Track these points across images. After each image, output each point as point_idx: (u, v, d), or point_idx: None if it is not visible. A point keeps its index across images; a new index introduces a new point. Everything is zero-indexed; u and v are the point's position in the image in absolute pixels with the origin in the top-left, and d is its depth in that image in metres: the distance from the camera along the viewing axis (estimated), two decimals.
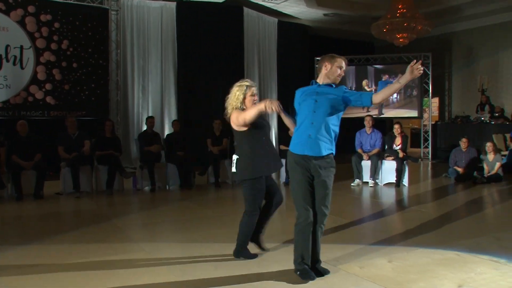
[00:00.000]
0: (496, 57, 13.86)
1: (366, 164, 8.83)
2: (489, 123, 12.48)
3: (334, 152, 3.84)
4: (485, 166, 9.27)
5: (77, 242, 4.82)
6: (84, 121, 10.14)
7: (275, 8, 12.93)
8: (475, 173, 9.09)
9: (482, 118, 12.75)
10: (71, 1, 10.58)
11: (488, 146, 9.36)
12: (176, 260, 4.18)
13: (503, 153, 10.37)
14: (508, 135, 11.42)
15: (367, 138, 9.01)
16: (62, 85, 10.47)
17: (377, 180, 8.83)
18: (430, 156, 13.82)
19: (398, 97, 14.19)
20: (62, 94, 10.47)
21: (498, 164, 9.15)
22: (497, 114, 12.93)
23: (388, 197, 7.81)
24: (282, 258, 4.08)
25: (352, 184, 8.69)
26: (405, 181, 8.69)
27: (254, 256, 4.21)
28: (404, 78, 3.47)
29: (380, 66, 14.58)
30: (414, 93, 14.00)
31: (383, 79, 14.30)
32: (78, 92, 10.66)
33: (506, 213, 6.59)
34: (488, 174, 9.10)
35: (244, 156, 4.17)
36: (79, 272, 3.85)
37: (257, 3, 12.44)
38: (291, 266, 3.67)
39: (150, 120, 9.01)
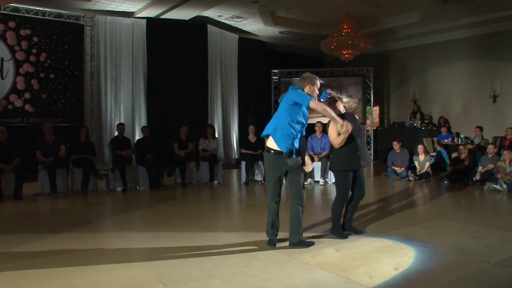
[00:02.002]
0: (425, 72, 14.39)
1: (317, 165, 8.99)
2: (421, 129, 12.95)
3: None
4: (417, 166, 9.63)
5: (54, 239, 4.69)
6: (60, 127, 9.90)
7: (236, 26, 12.99)
8: (408, 172, 9.41)
9: (415, 124, 13.22)
10: (49, 17, 10.31)
11: (419, 148, 9.73)
12: (146, 255, 4.14)
13: (432, 154, 10.80)
14: (435, 139, 11.90)
15: (318, 142, 9.18)
16: (40, 94, 10.17)
17: (327, 179, 9.01)
18: (372, 157, 14.19)
19: None
20: (40, 103, 10.17)
21: (427, 164, 9.52)
22: (426, 121, 13.45)
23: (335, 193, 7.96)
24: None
25: (305, 183, 8.80)
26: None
27: (346, 236, 4.61)
28: (335, 119, 4.22)
29: (322, 81, 14.85)
30: (348, 103, 14.35)
31: (326, 90, 14.63)
32: (55, 100, 10.38)
33: (433, 205, 6.88)
34: (420, 173, 9.45)
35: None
36: (55, 267, 3.76)
37: (220, 21, 12.45)
38: None
39: (120, 126, 8.87)
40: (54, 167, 7.55)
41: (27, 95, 10.00)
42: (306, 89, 4.22)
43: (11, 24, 9.81)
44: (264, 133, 4.24)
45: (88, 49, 10.99)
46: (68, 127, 10.30)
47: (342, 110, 4.66)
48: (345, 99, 11.41)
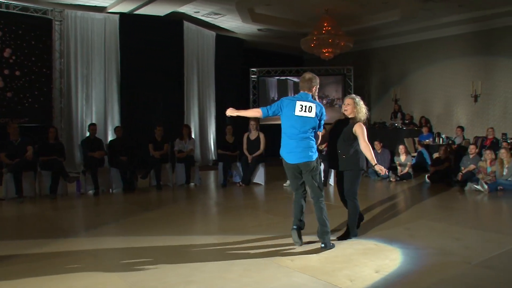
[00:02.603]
0: (406, 72, 14.64)
1: None
2: (402, 129, 13.15)
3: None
4: (398, 166, 9.78)
5: (20, 246, 4.56)
6: (27, 127, 9.67)
7: (213, 23, 12.94)
8: (390, 173, 9.54)
9: (396, 124, 13.42)
10: (14, 11, 10.04)
11: (401, 148, 9.89)
12: (120, 261, 4.07)
13: (413, 154, 10.98)
14: (417, 139, 12.11)
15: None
16: (4, 92, 9.89)
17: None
18: None
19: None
20: (5, 101, 9.89)
21: (408, 164, 9.68)
22: (407, 121, 13.68)
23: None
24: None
25: (284, 185, 8.83)
26: (331, 181, 8.97)
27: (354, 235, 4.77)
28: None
29: (297, 79, 14.98)
30: (325, 101, 14.49)
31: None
32: (21, 99, 10.11)
33: (414, 206, 6.99)
34: (401, 173, 9.60)
35: (354, 153, 4.68)
36: (20, 277, 3.66)
37: (196, 18, 12.39)
38: None
39: (92, 127, 8.72)
40: (20, 170, 7.36)
41: None
42: (314, 91, 4.48)
43: None
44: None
45: (57, 45, 10.77)
46: (36, 127, 10.06)
47: (349, 113, 4.76)
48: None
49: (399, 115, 14.00)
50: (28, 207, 6.97)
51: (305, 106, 4.32)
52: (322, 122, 4.46)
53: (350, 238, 4.69)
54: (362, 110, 4.72)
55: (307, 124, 4.33)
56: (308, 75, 4.47)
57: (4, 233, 5.22)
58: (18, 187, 7.30)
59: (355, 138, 4.66)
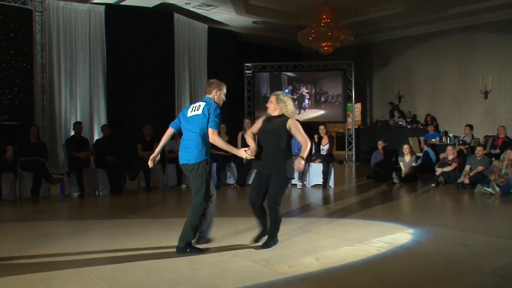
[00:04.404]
0: (410, 66, 14.69)
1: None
2: (406, 127, 13.20)
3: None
4: (402, 167, 9.80)
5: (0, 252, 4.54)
6: (6, 126, 9.60)
7: (205, 15, 12.92)
8: (393, 174, 9.56)
9: (400, 123, 13.47)
10: None
11: (405, 148, 9.91)
12: (106, 268, 4.06)
13: (418, 154, 11.01)
14: (422, 138, 12.15)
15: (295, 142, 9.16)
16: None
17: (305, 182, 9.07)
18: (354, 158, 14.37)
19: (308, 102, 14.70)
20: None
21: (413, 165, 9.71)
22: (409, 119, 13.75)
23: (315, 198, 8.05)
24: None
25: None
26: (331, 182, 8.99)
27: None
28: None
29: (292, 74, 15.01)
30: (323, 99, 14.51)
31: (289, 88, 14.80)
32: (0, 95, 10.04)
33: (419, 210, 7.01)
34: (405, 175, 9.62)
35: (286, 156, 4.63)
36: (3, 286, 3.64)
37: (187, 9, 12.36)
38: None
39: (77, 125, 8.68)
40: None
41: None
42: (213, 95, 4.61)
43: None
44: None
45: (38, 38, 10.70)
46: (16, 125, 9.99)
47: (272, 110, 4.67)
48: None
49: (395, 113, 14.10)
50: (7, 210, 6.94)
51: (195, 106, 4.56)
52: (213, 119, 4.42)
53: (271, 247, 4.57)
54: (289, 106, 4.64)
55: (194, 122, 4.48)
56: (211, 80, 4.84)
57: None
58: None
59: (288, 137, 4.62)
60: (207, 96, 4.64)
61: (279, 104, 4.61)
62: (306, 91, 14.64)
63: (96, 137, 10.78)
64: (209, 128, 4.41)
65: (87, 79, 11.40)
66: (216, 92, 4.62)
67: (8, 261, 4.23)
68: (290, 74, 14.98)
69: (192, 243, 4.48)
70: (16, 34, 10.28)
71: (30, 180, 7.65)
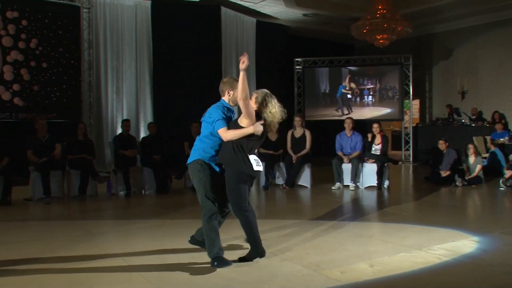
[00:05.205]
0: (475, 59, 14.17)
1: (346, 167, 8.91)
2: (470, 126, 12.74)
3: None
4: (465, 169, 9.44)
5: (47, 250, 4.73)
6: (55, 123, 9.98)
7: (253, 8, 12.97)
8: (456, 176, 9.23)
9: (463, 121, 13.02)
10: None
11: (469, 148, 9.52)
12: (152, 268, 4.14)
13: (484, 155, 10.59)
14: (489, 138, 11.66)
15: (348, 141, 9.09)
16: (30, 85, 10.30)
17: (358, 183, 8.92)
18: (411, 158, 14.02)
19: (373, 99, 14.38)
20: (31, 96, 10.30)
21: (479, 167, 9.32)
22: (474, 117, 13.25)
23: (369, 200, 7.90)
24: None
25: (333, 188, 8.75)
26: (386, 184, 8.79)
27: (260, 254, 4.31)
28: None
29: (354, 68, 14.73)
30: (390, 94, 14.18)
31: (343, 84, 14.54)
32: (48, 93, 10.49)
33: (486, 216, 6.73)
34: (469, 177, 9.26)
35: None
36: (51, 282, 3.79)
37: (235, 3, 12.46)
38: None
39: (125, 123, 8.92)
40: (47, 169, 7.62)
41: (16, 87, 10.13)
42: (226, 97, 4.40)
43: None
44: None
45: (85, 35, 11.10)
46: (64, 123, 10.41)
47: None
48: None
49: (455, 116, 13.69)
50: (55, 208, 7.23)
51: (205, 112, 4.44)
52: (213, 120, 4.25)
53: (255, 258, 4.24)
54: (268, 108, 4.18)
55: (203, 129, 4.42)
56: (224, 79, 4.51)
57: (31, 235, 5.43)
58: (45, 187, 7.56)
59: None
60: (222, 97, 4.44)
61: (257, 104, 4.24)
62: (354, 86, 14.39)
63: (142, 135, 11.07)
64: (217, 131, 4.21)
65: (133, 76, 11.72)
66: (228, 93, 4.39)
67: (55, 259, 4.41)
68: (352, 68, 14.73)
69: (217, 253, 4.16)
70: (65, 32, 10.71)
71: (77, 178, 7.94)
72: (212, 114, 4.29)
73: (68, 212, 7.01)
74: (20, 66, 10.19)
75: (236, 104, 4.27)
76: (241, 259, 4.22)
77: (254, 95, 4.23)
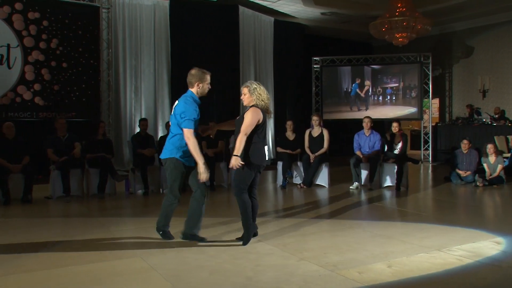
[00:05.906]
0: (496, 57, 13.96)
1: (365, 167, 8.86)
2: (491, 125, 12.55)
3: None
4: (486, 169, 9.31)
5: (67, 248, 4.81)
6: (74, 123, 10.12)
7: (271, 7, 12.97)
8: (476, 176, 9.12)
9: (484, 120, 12.84)
10: None
11: (489, 148, 9.38)
12: (170, 267, 4.18)
13: (505, 155, 10.43)
14: (510, 137, 11.48)
15: (366, 140, 9.03)
16: (51, 85, 10.44)
17: (376, 183, 8.85)
18: (430, 158, 13.88)
19: (394, 98, 14.26)
20: (51, 95, 10.44)
21: (500, 167, 9.19)
22: (496, 116, 13.05)
23: (388, 200, 7.84)
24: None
25: (351, 187, 8.71)
26: (406, 184, 8.71)
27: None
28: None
29: (377, 66, 14.62)
30: (413, 94, 14.06)
31: (356, 82, 14.42)
32: (68, 92, 10.64)
33: (508, 217, 6.63)
34: (490, 177, 9.14)
35: (250, 144, 4.71)
36: (68, 280, 3.85)
37: (253, 2, 12.48)
38: None
39: (143, 122, 8.99)
40: (67, 168, 7.73)
41: (37, 87, 10.28)
42: (195, 88, 4.67)
43: (18, 6, 10.07)
44: None
45: (104, 35, 11.23)
46: (83, 122, 10.54)
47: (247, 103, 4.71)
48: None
49: (475, 116, 13.49)
50: (75, 206, 7.33)
51: (175, 104, 4.65)
52: (183, 116, 4.51)
53: (248, 241, 4.75)
54: (263, 94, 4.62)
55: (172, 120, 4.69)
56: (192, 70, 4.71)
57: (52, 233, 5.51)
58: (65, 186, 7.67)
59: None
60: (189, 89, 4.68)
61: (253, 96, 4.62)
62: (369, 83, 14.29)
63: (160, 134, 11.15)
64: (183, 129, 4.53)
65: (151, 75, 11.83)
66: (198, 85, 4.65)
67: (73, 257, 4.48)
68: (375, 66, 14.63)
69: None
70: (84, 31, 10.84)
71: (96, 177, 8.04)
72: (186, 112, 4.54)
73: (87, 210, 7.11)
74: (41, 66, 10.34)
75: (204, 95, 4.79)
76: (238, 239, 4.84)
77: (246, 89, 4.67)
